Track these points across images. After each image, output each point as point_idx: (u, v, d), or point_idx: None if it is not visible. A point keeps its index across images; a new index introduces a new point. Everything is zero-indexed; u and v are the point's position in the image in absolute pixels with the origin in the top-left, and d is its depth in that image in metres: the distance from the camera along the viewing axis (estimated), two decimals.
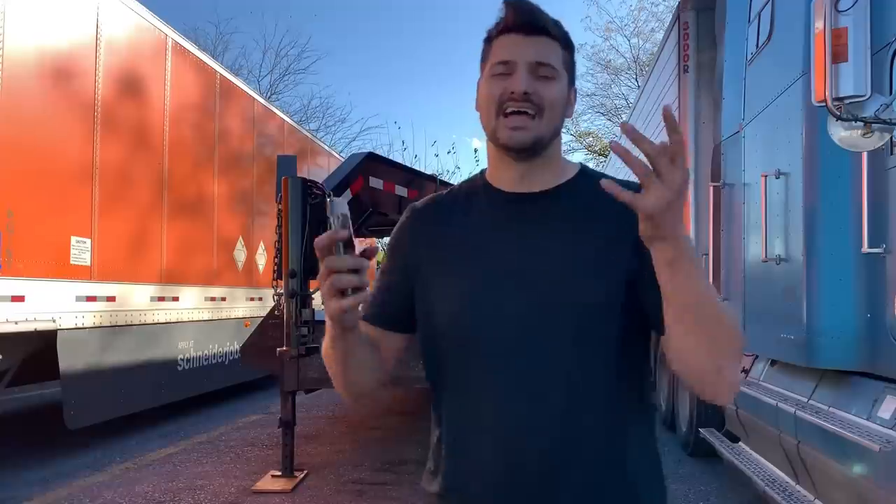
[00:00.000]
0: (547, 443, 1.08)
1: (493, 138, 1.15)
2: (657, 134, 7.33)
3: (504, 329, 1.11)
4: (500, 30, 1.14)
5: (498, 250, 1.15)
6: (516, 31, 1.12)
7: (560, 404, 1.08)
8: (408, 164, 9.02)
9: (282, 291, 5.10)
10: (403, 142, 39.80)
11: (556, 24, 1.15)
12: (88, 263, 5.77)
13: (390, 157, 8.57)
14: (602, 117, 27.90)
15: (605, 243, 1.12)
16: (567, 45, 1.16)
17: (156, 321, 6.85)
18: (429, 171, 8.58)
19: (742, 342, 1.06)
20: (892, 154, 2.66)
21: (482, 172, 1.26)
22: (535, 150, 1.13)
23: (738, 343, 1.04)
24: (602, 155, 26.47)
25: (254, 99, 9.58)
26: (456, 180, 22.93)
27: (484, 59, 1.17)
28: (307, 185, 5.22)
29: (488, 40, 1.17)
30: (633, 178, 0.97)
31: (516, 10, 1.13)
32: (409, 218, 1.27)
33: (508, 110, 1.11)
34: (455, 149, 33.82)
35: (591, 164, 28.07)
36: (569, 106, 1.17)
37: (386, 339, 1.24)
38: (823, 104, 2.43)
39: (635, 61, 25.90)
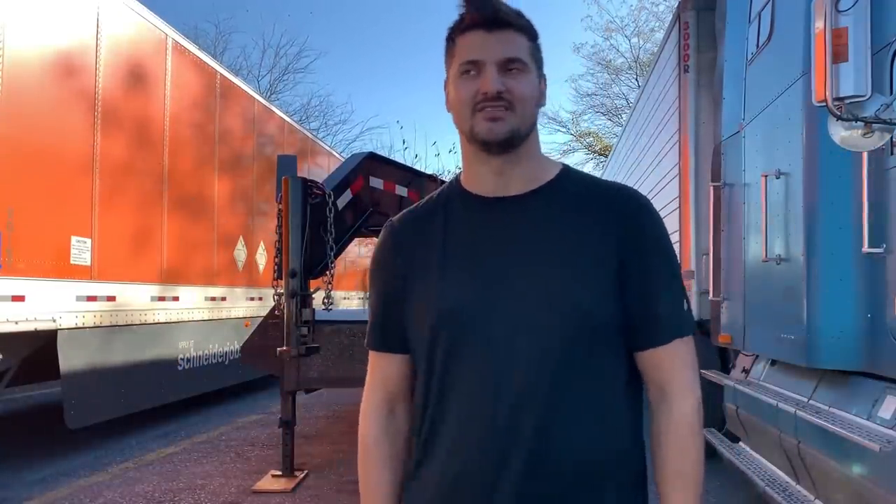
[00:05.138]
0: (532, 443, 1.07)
1: (470, 135, 1.13)
2: (656, 133, 7.32)
3: (485, 343, 1.09)
4: (463, 27, 1.11)
5: (477, 259, 1.13)
6: (480, 28, 1.09)
7: (541, 408, 1.07)
8: (408, 164, 9.00)
9: (282, 291, 5.10)
10: (405, 141, 39.72)
11: (519, 14, 1.12)
12: (88, 263, 5.77)
13: (391, 158, 8.55)
14: (602, 117, 27.97)
15: (585, 248, 1.10)
16: (532, 35, 1.13)
17: (156, 321, 6.85)
18: (429, 172, 8.56)
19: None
20: (892, 154, 2.65)
21: (457, 179, 1.23)
22: (513, 142, 1.11)
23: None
24: (602, 154, 26.47)
25: (254, 98, 9.57)
26: None
27: (449, 59, 1.15)
28: (307, 185, 5.23)
29: (451, 39, 1.14)
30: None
31: (477, 5, 1.10)
32: (388, 235, 1.25)
33: (482, 108, 1.09)
34: (456, 148, 33.79)
35: (590, 164, 28.14)
36: (540, 97, 1.15)
37: (396, 364, 1.22)
38: (823, 104, 2.42)
39: (636, 61, 25.92)
